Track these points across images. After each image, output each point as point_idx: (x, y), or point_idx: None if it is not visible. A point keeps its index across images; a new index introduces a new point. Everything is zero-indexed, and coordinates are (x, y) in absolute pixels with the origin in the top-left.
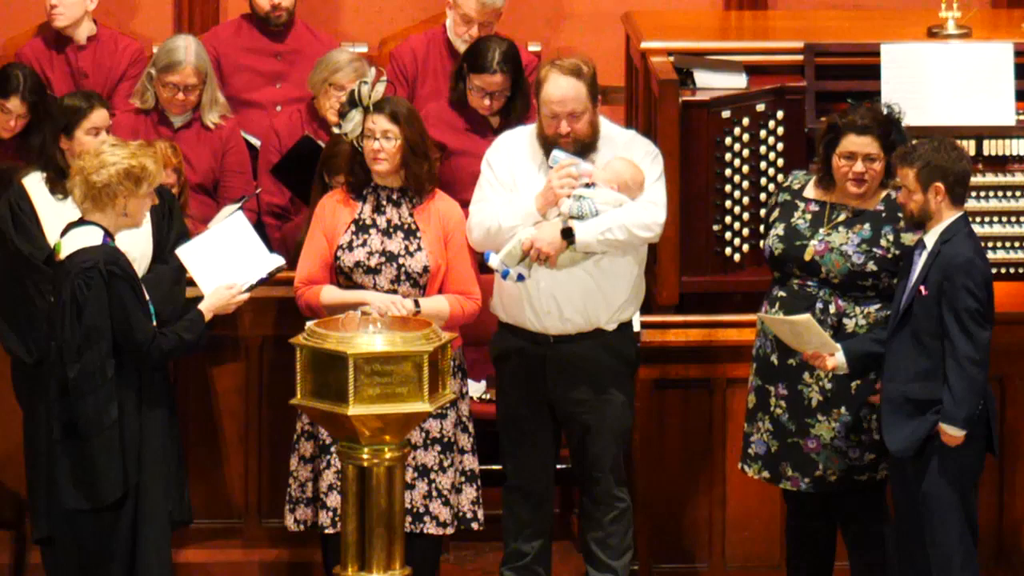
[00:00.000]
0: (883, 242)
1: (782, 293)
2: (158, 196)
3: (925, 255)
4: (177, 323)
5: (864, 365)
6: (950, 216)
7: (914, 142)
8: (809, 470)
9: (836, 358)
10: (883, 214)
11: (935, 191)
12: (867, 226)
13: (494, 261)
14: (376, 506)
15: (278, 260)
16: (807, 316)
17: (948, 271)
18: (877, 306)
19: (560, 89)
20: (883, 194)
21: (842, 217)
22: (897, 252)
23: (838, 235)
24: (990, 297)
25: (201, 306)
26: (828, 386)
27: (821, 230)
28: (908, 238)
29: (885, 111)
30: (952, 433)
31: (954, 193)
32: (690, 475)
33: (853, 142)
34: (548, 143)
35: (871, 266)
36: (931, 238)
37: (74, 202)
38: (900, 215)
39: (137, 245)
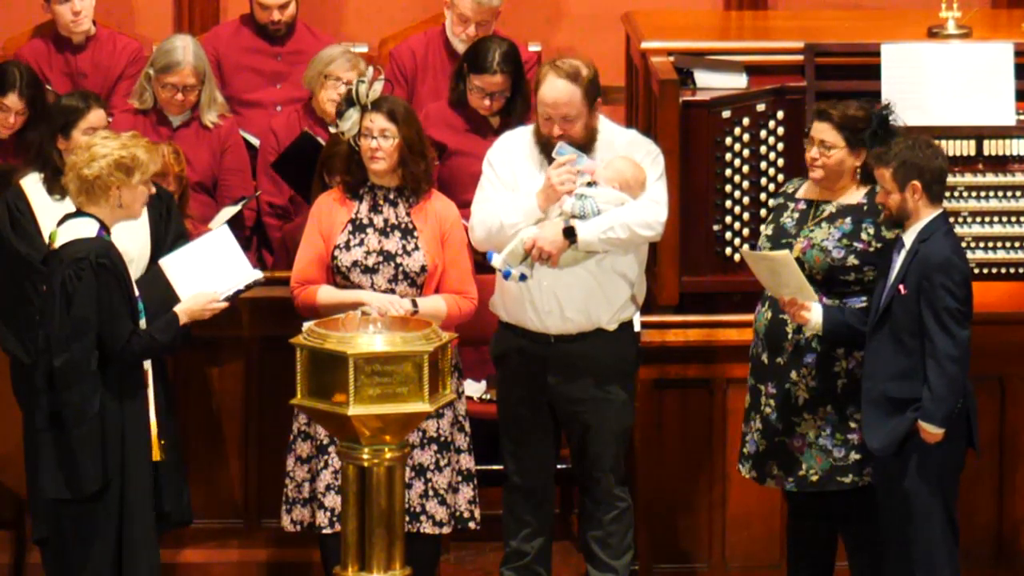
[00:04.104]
0: (864, 236)
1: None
2: (156, 197)
3: (904, 254)
4: (152, 324)
5: (839, 336)
6: (928, 215)
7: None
8: (793, 469)
9: (813, 313)
10: (864, 207)
11: (912, 190)
12: (848, 220)
13: (496, 261)
14: (376, 506)
15: (256, 274)
16: (785, 252)
17: (927, 270)
18: (863, 300)
19: (553, 92)
20: (866, 189)
21: (825, 213)
22: (879, 245)
23: (820, 231)
24: (969, 296)
25: (177, 309)
26: (813, 384)
27: (805, 227)
28: (888, 231)
29: (863, 111)
30: (931, 431)
31: (931, 191)
32: (690, 475)
33: (814, 127)
34: (543, 142)
35: (852, 260)
36: (909, 237)
37: (70, 198)
38: (881, 208)
39: (135, 245)
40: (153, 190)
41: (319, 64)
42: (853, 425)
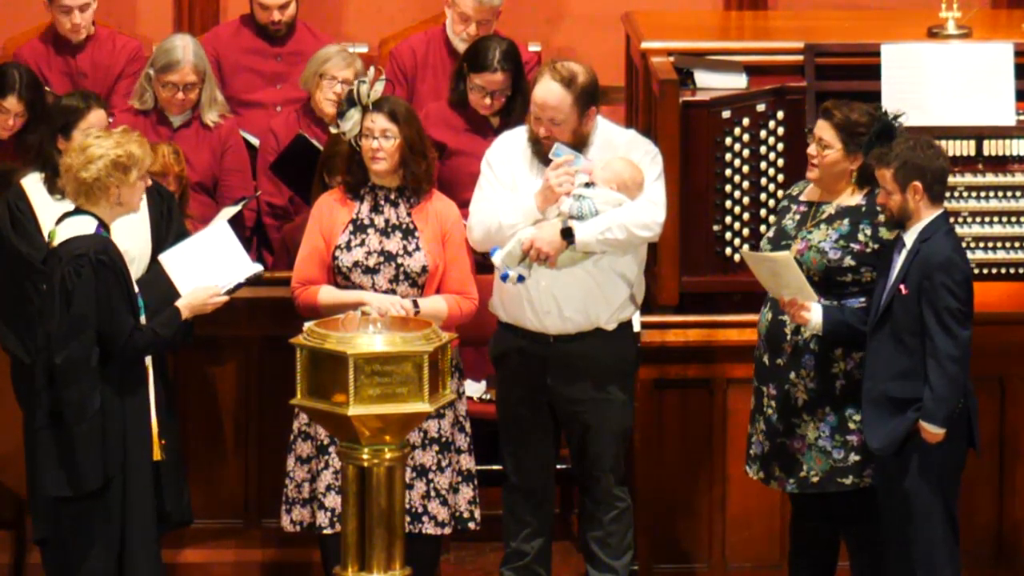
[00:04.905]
0: (861, 237)
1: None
2: (157, 196)
3: (904, 253)
4: (154, 319)
5: (839, 336)
6: (929, 215)
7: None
8: (794, 471)
9: (813, 313)
10: (863, 208)
11: (913, 190)
12: (846, 222)
13: (497, 259)
14: (376, 506)
15: (256, 267)
16: (786, 253)
17: (928, 270)
18: (861, 301)
19: (543, 94)
20: (866, 191)
21: (825, 215)
22: (876, 246)
23: (818, 232)
24: (970, 295)
25: (178, 303)
26: (812, 385)
27: (804, 228)
28: (886, 232)
29: (867, 118)
30: (932, 431)
31: (932, 191)
32: (690, 475)
33: (817, 124)
34: (534, 139)
35: (848, 261)
36: (910, 237)
37: (68, 199)
38: (879, 209)
39: (136, 245)
40: (149, 182)
41: (315, 64)
42: (852, 426)
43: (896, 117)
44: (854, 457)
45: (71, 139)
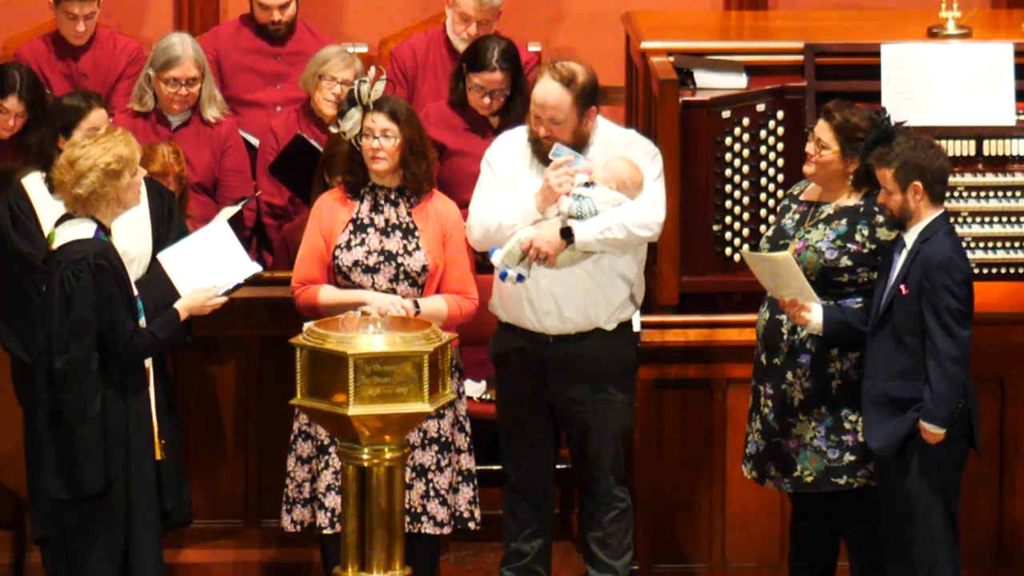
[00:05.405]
0: (858, 237)
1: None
2: (157, 196)
3: (905, 253)
4: (153, 321)
5: (839, 336)
6: (930, 215)
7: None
8: (790, 470)
9: (813, 314)
10: (861, 209)
11: (914, 190)
12: (844, 222)
13: (496, 258)
14: (376, 506)
15: (255, 267)
16: (786, 254)
17: (928, 270)
18: (858, 301)
19: (543, 93)
20: (864, 192)
21: (823, 215)
22: (873, 247)
23: (816, 232)
24: (970, 296)
25: (177, 305)
26: (808, 385)
27: (802, 228)
28: (884, 233)
29: (866, 123)
30: (932, 431)
31: (933, 191)
32: (690, 475)
33: (817, 124)
34: (534, 139)
35: (844, 261)
36: (911, 237)
37: (67, 209)
38: (877, 210)
39: (136, 245)
40: (145, 172)
41: (314, 65)
42: (848, 427)
43: (898, 125)
44: (849, 457)
45: (72, 139)
